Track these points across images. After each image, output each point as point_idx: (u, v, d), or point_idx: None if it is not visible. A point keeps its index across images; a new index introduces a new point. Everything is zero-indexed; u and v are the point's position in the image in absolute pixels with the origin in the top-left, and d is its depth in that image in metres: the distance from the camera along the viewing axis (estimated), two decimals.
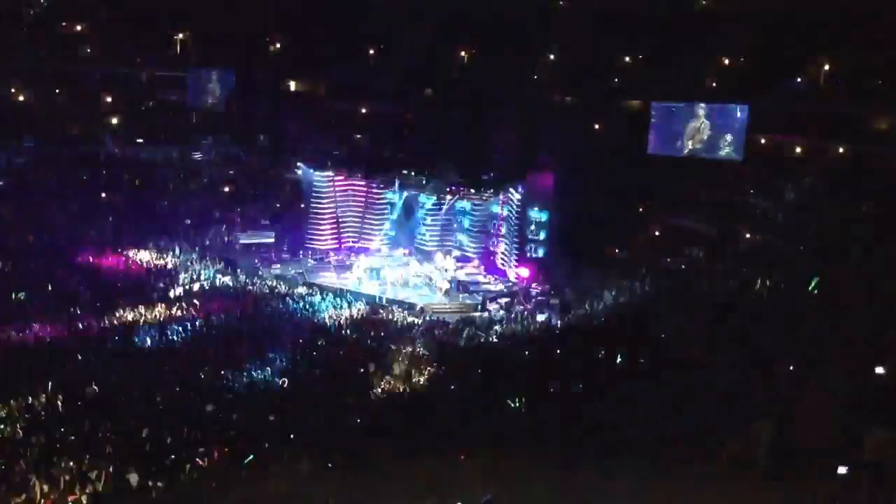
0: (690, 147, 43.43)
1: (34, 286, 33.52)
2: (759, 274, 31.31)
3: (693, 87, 45.38)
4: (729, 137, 42.22)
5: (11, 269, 35.60)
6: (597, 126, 47.11)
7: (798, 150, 42.89)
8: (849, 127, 40.03)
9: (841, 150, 40.34)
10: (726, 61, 46.70)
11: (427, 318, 35.34)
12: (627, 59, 49.33)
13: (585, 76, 47.00)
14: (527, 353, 29.37)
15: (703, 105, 43.37)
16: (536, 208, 40.73)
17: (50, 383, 23.76)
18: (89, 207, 44.27)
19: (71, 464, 18.90)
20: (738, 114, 41.93)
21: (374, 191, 44.99)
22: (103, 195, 46.11)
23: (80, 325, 30.29)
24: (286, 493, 16.95)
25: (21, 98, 51.91)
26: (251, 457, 18.97)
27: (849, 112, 40.19)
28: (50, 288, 33.66)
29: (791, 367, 18.06)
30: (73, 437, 20.63)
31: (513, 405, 21.76)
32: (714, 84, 46.41)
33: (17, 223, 40.98)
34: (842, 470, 10.74)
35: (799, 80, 42.64)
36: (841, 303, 20.71)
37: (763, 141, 43.40)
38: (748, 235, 39.06)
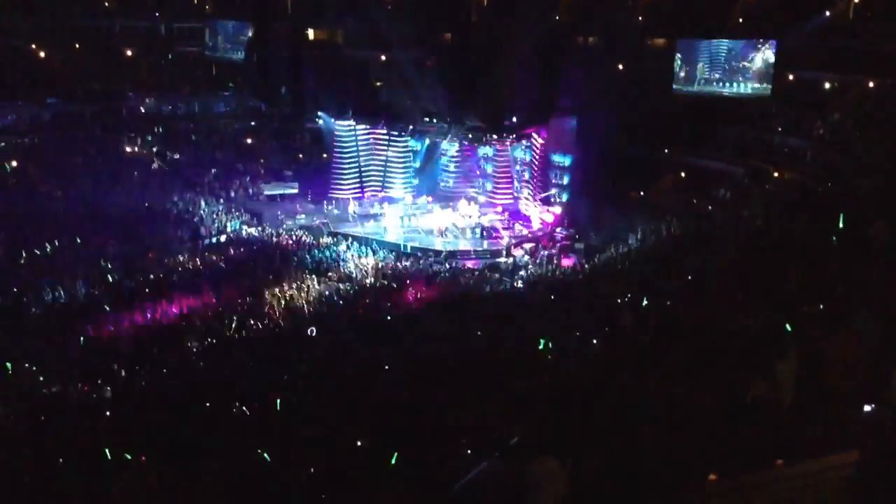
0: (706, 77, 42.77)
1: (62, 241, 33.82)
2: (787, 213, 30.88)
3: (720, 24, 44.47)
4: (747, 65, 41.55)
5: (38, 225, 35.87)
6: (620, 67, 46.29)
7: (827, 85, 41.97)
8: (878, 62, 39.02)
9: (871, 84, 39.39)
10: None
11: (452, 264, 35.51)
12: None
13: (608, 15, 46.08)
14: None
15: (728, 41, 42.62)
16: (560, 152, 40.37)
17: None
18: (113, 162, 44.35)
19: None
20: (765, 49, 41.10)
21: (396, 139, 44.73)
22: (127, 150, 46.20)
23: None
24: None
25: (42, 54, 51.86)
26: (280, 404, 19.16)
27: (878, 46, 39.17)
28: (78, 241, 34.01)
29: (820, 307, 17.83)
30: None
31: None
32: (741, 20, 45.36)
33: (42, 179, 41.18)
34: (867, 408, 10.62)
35: (828, 14, 41.51)
36: (869, 240, 20.38)
37: (791, 77, 42.49)
38: (776, 174, 38.47)
